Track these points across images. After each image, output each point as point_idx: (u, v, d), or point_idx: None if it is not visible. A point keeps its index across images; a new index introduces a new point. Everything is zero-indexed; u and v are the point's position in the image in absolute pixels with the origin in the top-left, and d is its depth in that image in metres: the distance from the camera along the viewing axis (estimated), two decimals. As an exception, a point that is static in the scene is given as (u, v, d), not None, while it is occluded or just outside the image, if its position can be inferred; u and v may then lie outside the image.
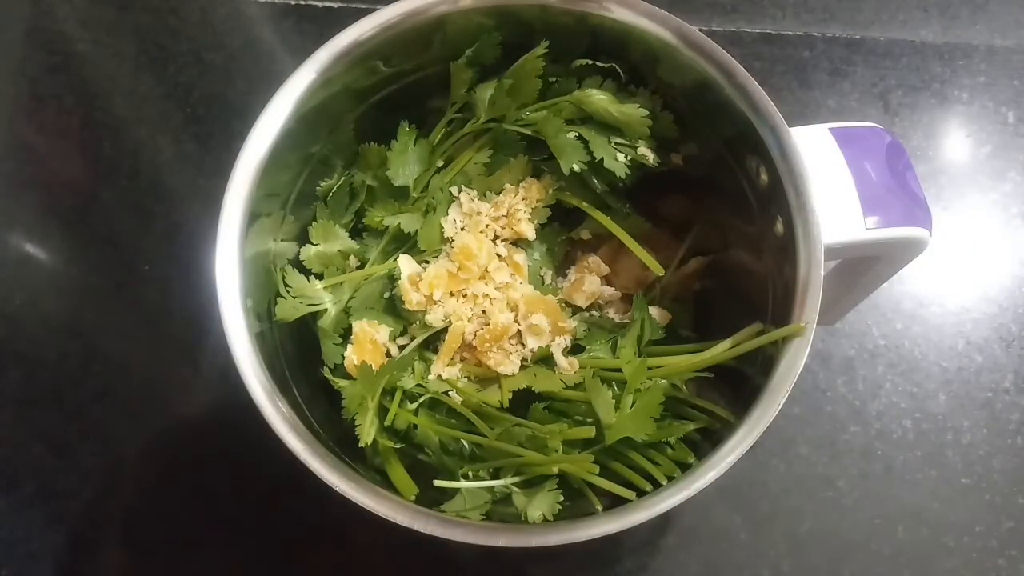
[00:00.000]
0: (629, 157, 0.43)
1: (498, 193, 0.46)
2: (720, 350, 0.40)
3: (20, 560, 0.55)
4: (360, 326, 0.44)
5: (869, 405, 0.57)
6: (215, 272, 0.38)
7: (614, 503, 0.38)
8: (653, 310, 0.46)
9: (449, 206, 0.46)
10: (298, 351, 0.43)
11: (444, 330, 0.44)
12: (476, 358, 0.44)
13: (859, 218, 0.38)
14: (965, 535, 0.54)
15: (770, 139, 0.38)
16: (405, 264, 0.44)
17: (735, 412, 0.38)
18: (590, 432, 0.39)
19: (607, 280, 0.47)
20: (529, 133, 0.44)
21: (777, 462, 0.55)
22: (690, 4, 0.65)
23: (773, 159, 0.38)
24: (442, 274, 0.43)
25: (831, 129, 0.40)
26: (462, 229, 0.45)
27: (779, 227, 0.39)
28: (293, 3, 0.66)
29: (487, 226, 0.45)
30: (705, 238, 0.48)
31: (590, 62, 0.43)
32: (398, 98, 0.44)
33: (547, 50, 0.42)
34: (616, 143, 0.43)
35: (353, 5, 0.65)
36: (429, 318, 0.44)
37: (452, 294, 0.44)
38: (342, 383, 0.43)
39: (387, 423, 0.41)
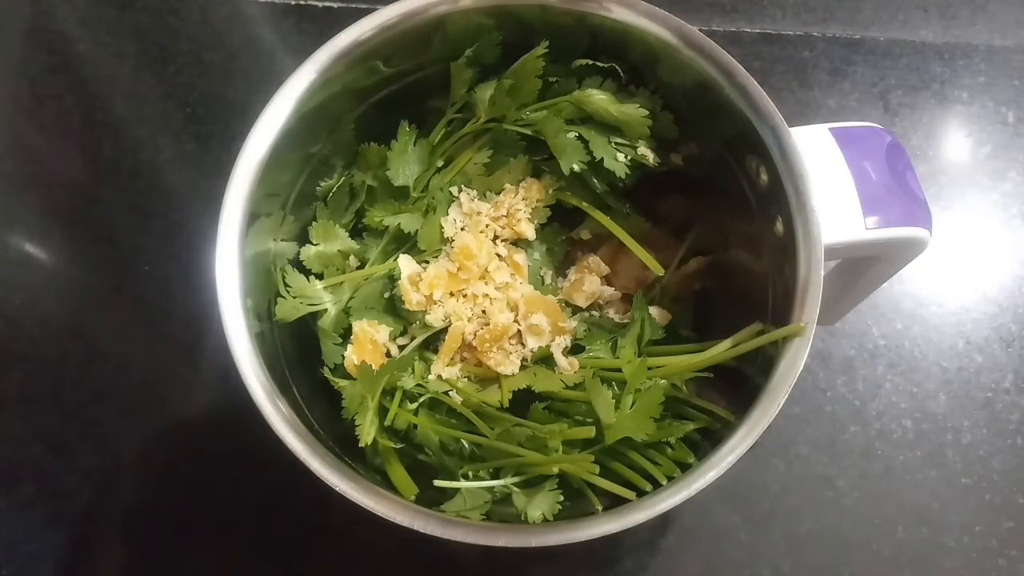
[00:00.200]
0: (629, 157, 0.43)
1: (498, 193, 0.46)
2: (720, 350, 0.40)
3: (20, 560, 0.55)
4: (360, 326, 0.44)
5: (869, 405, 0.57)
6: (215, 272, 0.38)
7: (614, 503, 0.38)
8: (653, 310, 0.46)
9: (449, 206, 0.46)
10: (298, 351, 0.43)
11: (444, 330, 0.44)
12: (476, 358, 0.44)
13: (859, 218, 0.38)
14: (965, 535, 0.54)
15: (770, 139, 0.38)
16: (405, 264, 0.44)
17: (735, 412, 0.38)
18: (590, 432, 0.39)
19: (607, 280, 0.48)
20: (529, 133, 0.44)
21: (777, 462, 0.55)
22: (690, 4, 0.65)
23: (773, 159, 0.38)
24: (442, 274, 0.43)
25: (831, 129, 0.40)
26: (462, 229, 0.45)
27: (779, 227, 0.39)
28: (293, 3, 0.66)
29: (487, 226, 0.45)
30: (705, 238, 0.48)
31: (590, 62, 0.43)
32: (398, 98, 0.44)
33: (547, 50, 0.42)
34: (616, 143, 0.43)
35: (353, 5, 0.65)
36: (429, 318, 0.44)
37: (452, 294, 0.44)
38: (342, 383, 0.43)
39: (387, 423, 0.41)
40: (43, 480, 0.56)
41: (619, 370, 0.41)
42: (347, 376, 0.43)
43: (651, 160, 0.44)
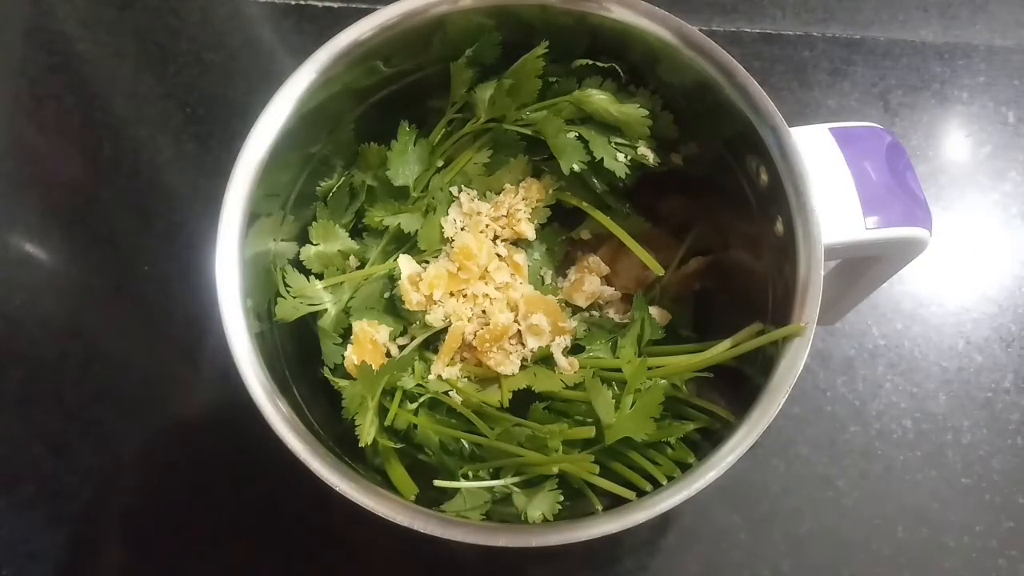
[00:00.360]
0: (629, 157, 0.43)
1: (498, 193, 0.46)
2: (720, 350, 0.40)
3: (20, 560, 0.55)
4: (360, 326, 0.44)
5: (869, 405, 0.57)
6: (215, 272, 0.38)
7: (614, 503, 0.38)
8: (653, 310, 0.46)
9: (449, 206, 0.46)
10: (298, 351, 0.43)
11: (444, 330, 0.44)
12: (476, 358, 0.44)
13: (859, 218, 0.38)
14: (965, 535, 0.54)
15: (770, 139, 0.38)
16: (405, 264, 0.44)
17: (735, 412, 0.38)
18: (590, 432, 0.39)
19: (607, 280, 0.47)
20: (529, 133, 0.44)
21: (777, 462, 0.55)
22: (690, 4, 0.65)
23: (773, 159, 0.38)
24: (442, 274, 0.43)
25: (831, 129, 0.40)
26: (462, 229, 0.45)
27: (779, 227, 0.39)
28: (293, 3, 0.66)
29: (487, 226, 0.45)
30: (705, 238, 0.48)
31: (590, 62, 0.43)
32: (398, 98, 0.44)
33: (547, 50, 0.42)
34: (616, 143, 0.43)
35: (353, 5, 0.65)
36: (429, 318, 0.44)
37: (452, 294, 0.44)
38: (342, 383, 0.43)
39: (387, 423, 0.41)
40: (43, 480, 0.56)
41: (619, 370, 0.41)
42: (347, 376, 0.43)
43: (651, 160, 0.44)
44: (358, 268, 0.46)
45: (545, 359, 0.44)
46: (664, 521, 0.55)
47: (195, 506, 0.56)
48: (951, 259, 0.60)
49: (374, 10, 0.40)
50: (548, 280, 0.48)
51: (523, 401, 0.43)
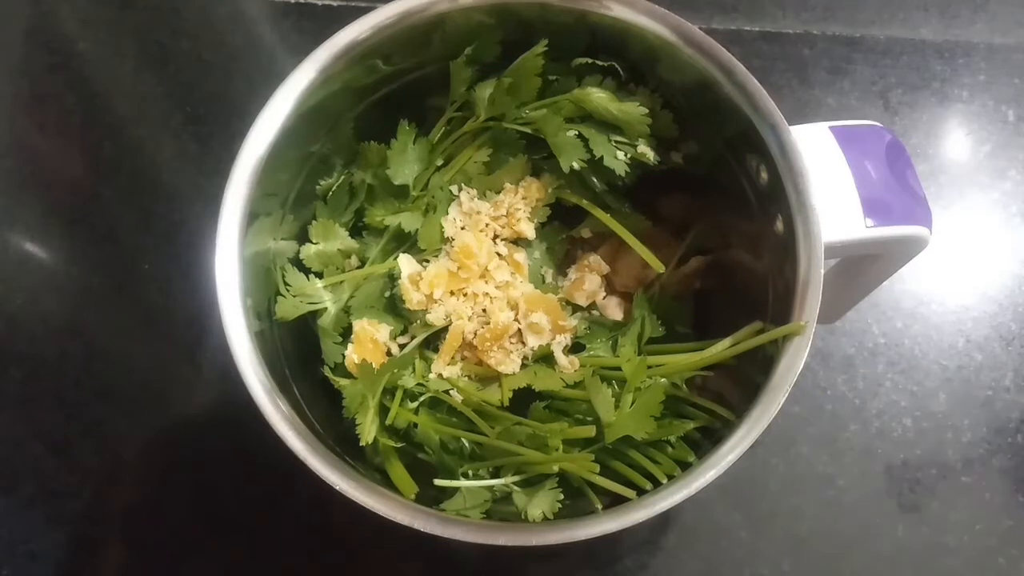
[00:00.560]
0: (629, 155, 0.43)
1: (498, 192, 0.46)
2: (720, 349, 0.40)
3: (20, 560, 0.55)
4: (360, 325, 0.44)
5: (869, 404, 0.56)
6: (215, 271, 0.38)
7: (614, 502, 0.38)
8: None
9: (449, 205, 0.46)
10: (298, 350, 0.43)
11: (444, 329, 0.44)
12: (477, 357, 0.44)
13: (859, 216, 0.38)
14: (965, 535, 0.54)
15: (770, 137, 0.38)
16: (405, 263, 0.44)
17: (735, 411, 0.38)
18: (590, 431, 0.39)
19: (607, 279, 0.47)
20: (529, 131, 0.44)
21: (777, 461, 0.55)
22: (690, 2, 0.65)
23: (773, 157, 0.38)
24: (442, 273, 0.43)
25: (831, 127, 0.40)
26: (462, 228, 0.45)
27: (779, 225, 0.39)
28: (293, 2, 0.66)
29: (487, 225, 0.45)
30: (705, 237, 0.48)
31: (590, 60, 0.43)
32: (398, 97, 0.44)
33: (547, 48, 0.42)
34: (616, 141, 0.43)
35: (353, 4, 0.65)
36: (430, 317, 0.44)
37: (452, 293, 0.44)
38: (343, 382, 0.43)
39: (388, 422, 0.41)
40: (43, 480, 0.56)
41: (619, 369, 0.41)
42: (347, 375, 0.43)
43: (651, 159, 0.44)
44: (358, 267, 0.46)
45: (545, 358, 0.44)
46: (664, 520, 0.55)
47: (195, 506, 0.56)
48: (951, 258, 0.60)
49: (374, 8, 0.40)
50: (549, 279, 0.48)
51: (523, 400, 0.43)
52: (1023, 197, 0.61)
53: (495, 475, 0.40)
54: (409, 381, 0.43)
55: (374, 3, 0.40)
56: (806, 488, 0.55)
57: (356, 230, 0.46)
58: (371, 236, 0.46)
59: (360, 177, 0.46)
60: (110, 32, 0.66)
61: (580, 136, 0.43)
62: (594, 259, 0.47)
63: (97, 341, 0.59)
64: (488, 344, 0.43)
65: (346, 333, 0.45)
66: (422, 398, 0.43)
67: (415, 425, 0.42)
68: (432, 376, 0.43)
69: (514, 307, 0.44)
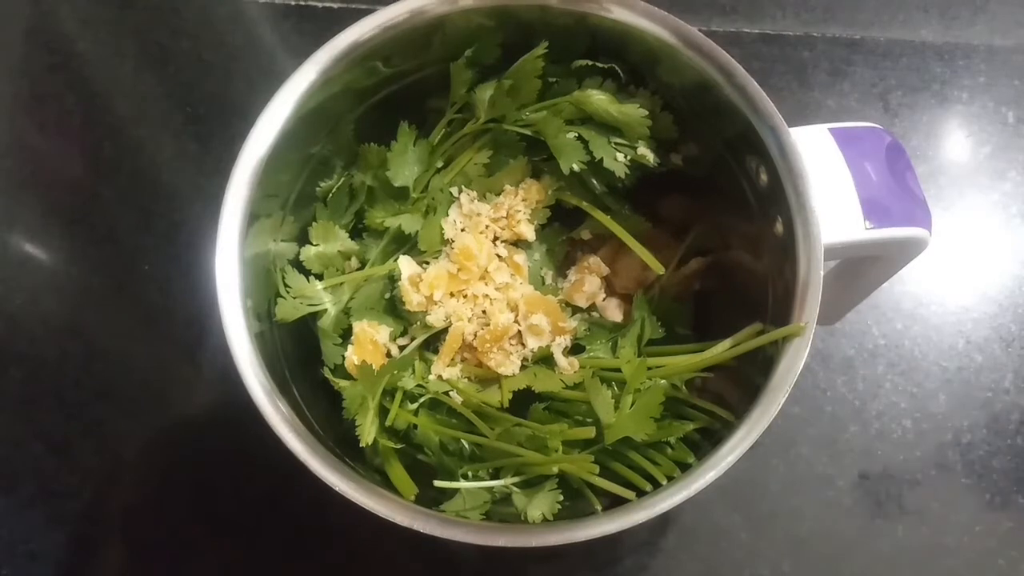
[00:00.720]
0: (629, 157, 0.43)
1: (498, 194, 0.46)
2: (720, 350, 0.40)
3: (20, 560, 0.55)
4: (360, 326, 0.44)
5: (869, 405, 0.57)
6: (215, 272, 0.38)
7: (614, 503, 0.38)
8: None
9: (449, 207, 0.46)
10: (298, 351, 0.43)
11: (444, 330, 0.44)
12: (476, 358, 0.44)
13: (859, 218, 0.38)
14: (965, 535, 0.54)
15: (770, 139, 0.38)
16: (405, 265, 0.44)
17: (735, 412, 0.38)
18: (590, 432, 0.39)
19: (607, 281, 0.47)
20: (529, 133, 0.44)
21: (777, 462, 0.55)
22: (690, 4, 0.65)
23: (773, 159, 0.38)
24: (442, 275, 0.43)
25: (831, 129, 0.40)
26: (462, 230, 0.45)
27: (779, 227, 0.39)
28: (293, 3, 0.66)
29: (487, 227, 0.45)
30: (705, 238, 0.48)
31: (590, 62, 0.43)
32: (398, 98, 0.44)
33: (547, 50, 0.42)
34: (616, 143, 0.43)
35: (353, 5, 0.65)
36: (430, 319, 0.44)
37: (452, 295, 0.44)
38: (342, 383, 0.43)
39: (387, 423, 0.41)
40: (43, 480, 0.56)
41: (619, 370, 0.41)
42: (347, 376, 0.43)
43: (651, 160, 0.44)
44: (358, 269, 0.46)
45: (545, 359, 0.44)
46: (664, 521, 0.55)
47: (195, 506, 0.56)
48: (951, 259, 0.60)
49: (374, 10, 0.40)
50: (549, 280, 0.48)
51: (523, 401, 0.43)
52: (1023, 198, 0.61)
53: (495, 476, 0.40)
54: (409, 382, 0.43)
55: (375, 5, 0.40)
56: (806, 489, 0.55)
57: (356, 232, 0.46)
58: (371, 238, 0.46)
59: (360, 179, 0.46)
60: (110, 32, 0.66)
61: (580, 138, 0.43)
62: (594, 261, 0.47)
63: (97, 341, 0.59)
64: (488, 346, 0.43)
65: (346, 335, 0.45)
66: (422, 399, 0.43)
67: (415, 426, 0.42)
68: (432, 377, 0.43)
69: (514, 309, 0.44)
